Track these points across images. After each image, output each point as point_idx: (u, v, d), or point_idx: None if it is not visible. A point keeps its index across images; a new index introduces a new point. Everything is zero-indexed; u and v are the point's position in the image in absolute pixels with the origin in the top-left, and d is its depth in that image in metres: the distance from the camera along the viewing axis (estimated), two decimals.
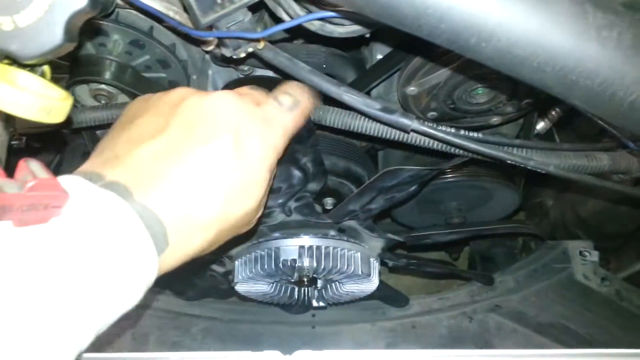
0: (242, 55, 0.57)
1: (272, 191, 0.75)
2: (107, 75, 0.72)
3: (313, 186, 0.77)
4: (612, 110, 0.35)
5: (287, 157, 0.70)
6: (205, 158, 0.41)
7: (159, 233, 0.37)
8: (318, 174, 0.75)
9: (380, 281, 0.86)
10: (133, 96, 0.73)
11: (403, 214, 1.06)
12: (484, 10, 0.33)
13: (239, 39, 0.54)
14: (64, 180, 0.35)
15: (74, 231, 0.33)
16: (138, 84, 0.73)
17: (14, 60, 0.34)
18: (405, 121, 0.59)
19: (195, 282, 0.95)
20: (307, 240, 0.80)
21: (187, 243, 0.40)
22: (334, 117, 0.66)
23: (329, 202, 0.90)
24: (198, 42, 0.72)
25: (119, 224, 0.35)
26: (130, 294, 0.36)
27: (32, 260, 0.31)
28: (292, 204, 0.79)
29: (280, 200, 0.77)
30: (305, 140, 0.69)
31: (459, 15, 0.33)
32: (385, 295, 0.98)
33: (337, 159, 0.88)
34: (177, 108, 0.43)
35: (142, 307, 0.94)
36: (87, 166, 0.40)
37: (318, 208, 0.95)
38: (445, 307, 0.97)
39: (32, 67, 0.35)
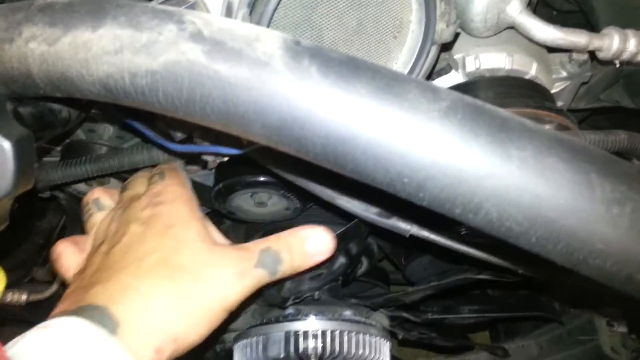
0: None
1: (312, 277, 0.72)
2: None
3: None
4: (631, 289, 0.30)
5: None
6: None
7: None
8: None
9: None
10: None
11: (414, 272, 1.00)
12: (468, 183, 0.28)
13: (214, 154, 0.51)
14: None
15: None
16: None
17: None
18: (403, 226, 0.55)
19: None
20: (313, 322, 0.75)
21: None
22: None
23: None
24: None
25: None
26: None
27: None
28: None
29: (315, 285, 0.73)
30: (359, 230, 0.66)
31: (439, 187, 0.29)
32: None
33: None
34: None
35: None
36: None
37: None
38: None
39: None
